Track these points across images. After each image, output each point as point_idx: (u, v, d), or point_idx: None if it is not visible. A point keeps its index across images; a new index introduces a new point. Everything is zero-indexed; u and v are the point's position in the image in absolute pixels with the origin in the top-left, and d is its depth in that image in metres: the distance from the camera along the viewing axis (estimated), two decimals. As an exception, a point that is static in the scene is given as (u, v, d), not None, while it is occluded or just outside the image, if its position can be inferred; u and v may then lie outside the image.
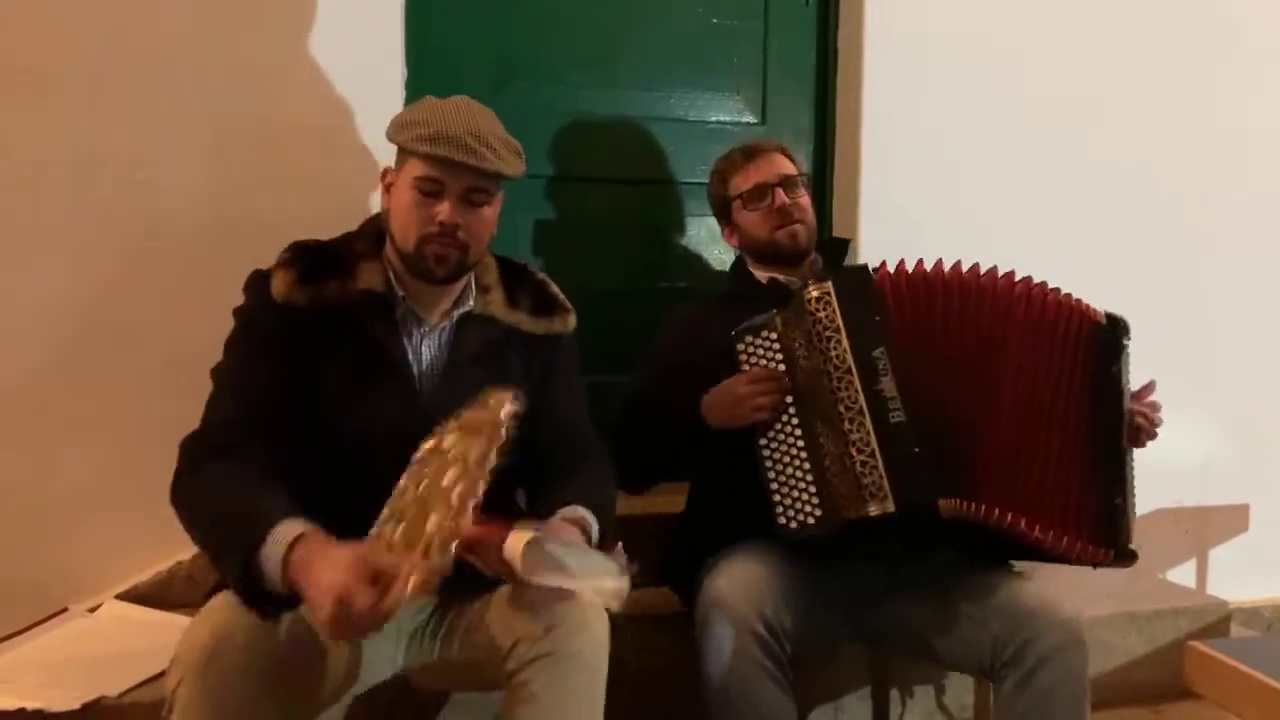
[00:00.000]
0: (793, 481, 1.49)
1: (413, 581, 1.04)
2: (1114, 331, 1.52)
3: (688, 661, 1.45)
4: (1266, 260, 2.53)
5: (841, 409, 1.46)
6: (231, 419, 1.29)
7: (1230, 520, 2.53)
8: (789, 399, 1.50)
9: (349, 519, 1.14)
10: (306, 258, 1.34)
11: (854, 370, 1.46)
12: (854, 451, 1.44)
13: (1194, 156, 2.45)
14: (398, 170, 1.38)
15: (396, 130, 1.35)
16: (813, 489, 1.48)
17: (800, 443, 1.50)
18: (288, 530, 1.14)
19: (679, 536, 1.70)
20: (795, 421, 1.50)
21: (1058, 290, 1.53)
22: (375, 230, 1.42)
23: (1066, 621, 1.43)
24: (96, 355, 1.77)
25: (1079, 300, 1.53)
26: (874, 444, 1.44)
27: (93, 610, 1.72)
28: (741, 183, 1.74)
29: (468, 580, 1.25)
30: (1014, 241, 2.25)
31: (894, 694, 1.82)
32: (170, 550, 1.78)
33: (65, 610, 1.70)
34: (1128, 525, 1.50)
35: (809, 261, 1.75)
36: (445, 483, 1.07)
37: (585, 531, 1.32)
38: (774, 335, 1.52)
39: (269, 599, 1.15)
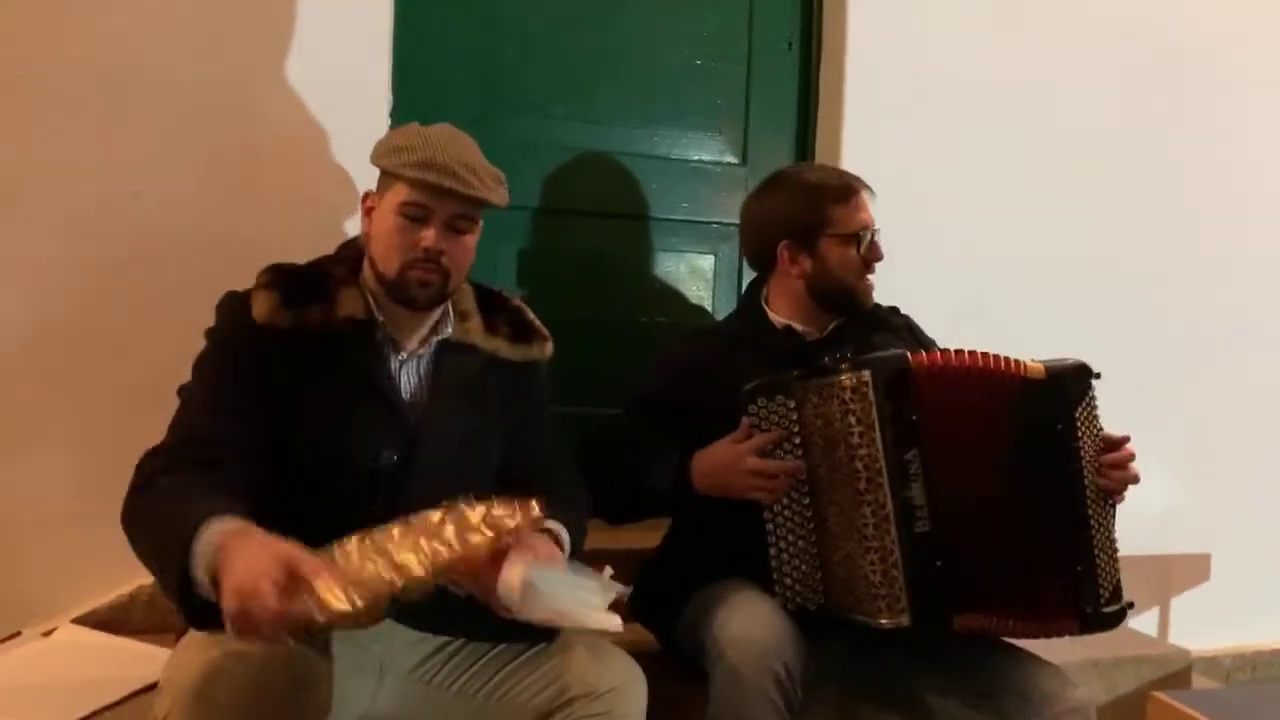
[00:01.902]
0: (796, 562, 1.45)
1: (327, 605, 1.00)
2: (1057, 386, 1.42)
3: (668, 701, 1.41)
4: (1228, 306, 2.59)
5: (867, 512, 1.39)
6: (195, 436, 1.26)
7: (1192, 569, 2.56)
8: (802, 475, 1.44)
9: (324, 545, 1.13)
10: (287, 281, 1.33)
11: (885, 473, 1.38)
12: (875, 558, 1.38)
13: (1164, 197, 2.50)
14: (380, 194, 1.37)
15: (383, 154, 1.35)
16: (818, 574, 1.44)
17: (810, 524, 1.45)
18: (219, 526, 1.09)
19: (658, 572, 1.68)
20: (807, 502, 1.45)
21: (986, 355, 1.43)
22: (353, 254, 1.41)
23: (1082, 706, 1.40)
24: (63, 370, 1.73)
25: (1011, 360, 1.43)
26: (898, 555, 1.38)
27: (47, 635, 1.67)
28: (849, 217, 1.62)
29: (478, 625, 1.24)
30: (989, 284, 2.31)
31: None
32: (130, 573, 1.73)
33: (18, 634, 1.66)
34: (1095, 589, 1.42)
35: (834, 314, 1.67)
36: (425, 546, 1.05)
37: (557, 541, 1.31)
38: (791, 403, 1.45)
39: (208, 609, 1.10)
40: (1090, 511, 1.44)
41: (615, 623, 1.16)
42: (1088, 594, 1.43)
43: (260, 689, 1.11)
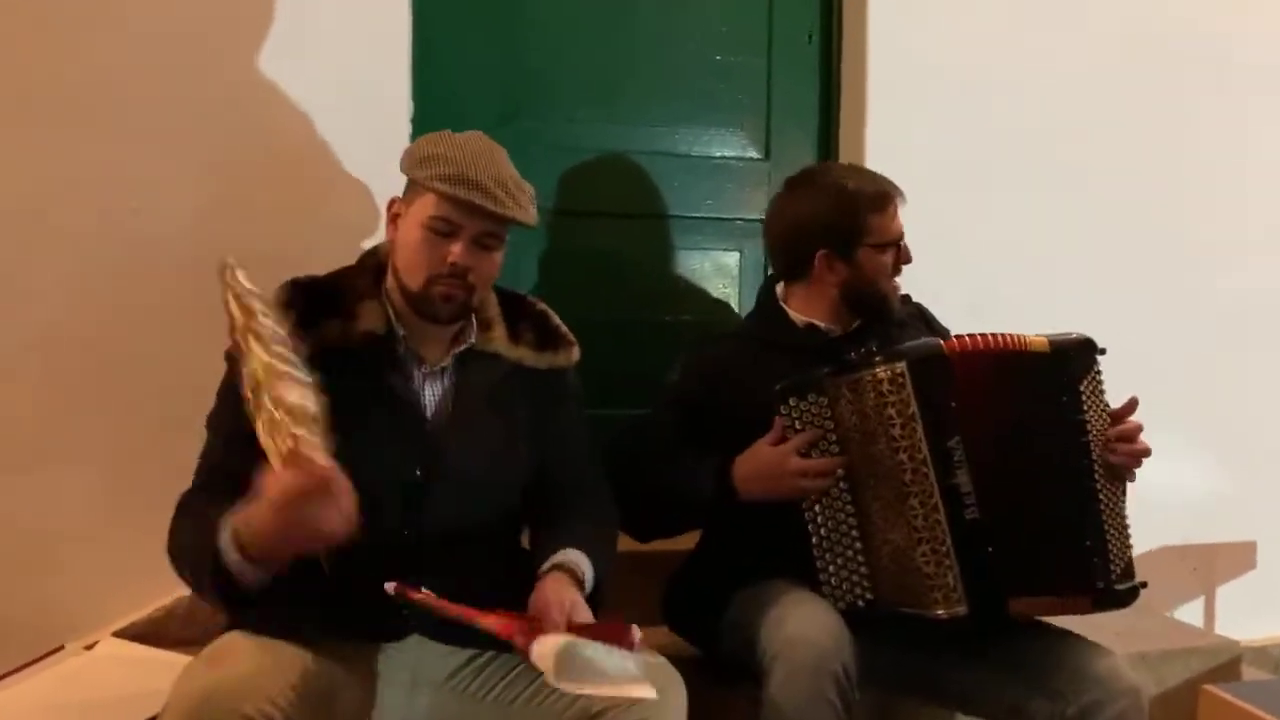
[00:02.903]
0: (842, 560, 1.44)
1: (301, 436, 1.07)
2: (1062, 359, 1.44)
3: (708, 705, 1.38)
4: (1268, 291, 2.53)
5: (915, 503, 1.38)
6: (222, 471, 1.26)
7: (1238, 557, 2.51)
8: (840, 472, 1.44)
9: (352, 566, 1.13)
10: (305, 297, 1.32)
11: (930, 463, 1.37)
12: (926, 549, 1.38)
13: (1192, 186, 2.46)
14: (407, 203, 1.35)
15: (414, 164, 1.32)
16: (864, 570, 1.43)
17: (853, 520, 1.44)
18: (224, 533, 1.13)
19: (694, 576, 1.66)
20: (849, 499, 1.44)
21: (1002, 335, 1.44)
22: (375, 265, 1.39)
23: (1133, 690, 1.39)
24: (90, 386, 1.74)
25: (1019, 337, 1.45)
26: (949, 544, 1.37)
27: (89, 648, 1.69)
28: (887, 227, 1.61)
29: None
30: (1015, 274, 2.28)
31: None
32: (168, 586, 1.72)
33: (61, 648, 1.67)
34: (1106, 565, 1.43)
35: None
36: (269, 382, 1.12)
37: (579, 580, 1.29)
38: (824, 400, 1.44)
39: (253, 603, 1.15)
40: (1099, 485, 1.44)
41: (651, 692, 1.15)
42: (1099, 570, 1.43)
43: (263, 708, 1.11)
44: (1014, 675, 1.46)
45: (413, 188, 1.34)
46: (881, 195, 1.63)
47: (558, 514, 1.40)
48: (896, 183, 1.68)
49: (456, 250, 1.30)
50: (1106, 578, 1.43)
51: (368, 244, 1.54)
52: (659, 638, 1.65)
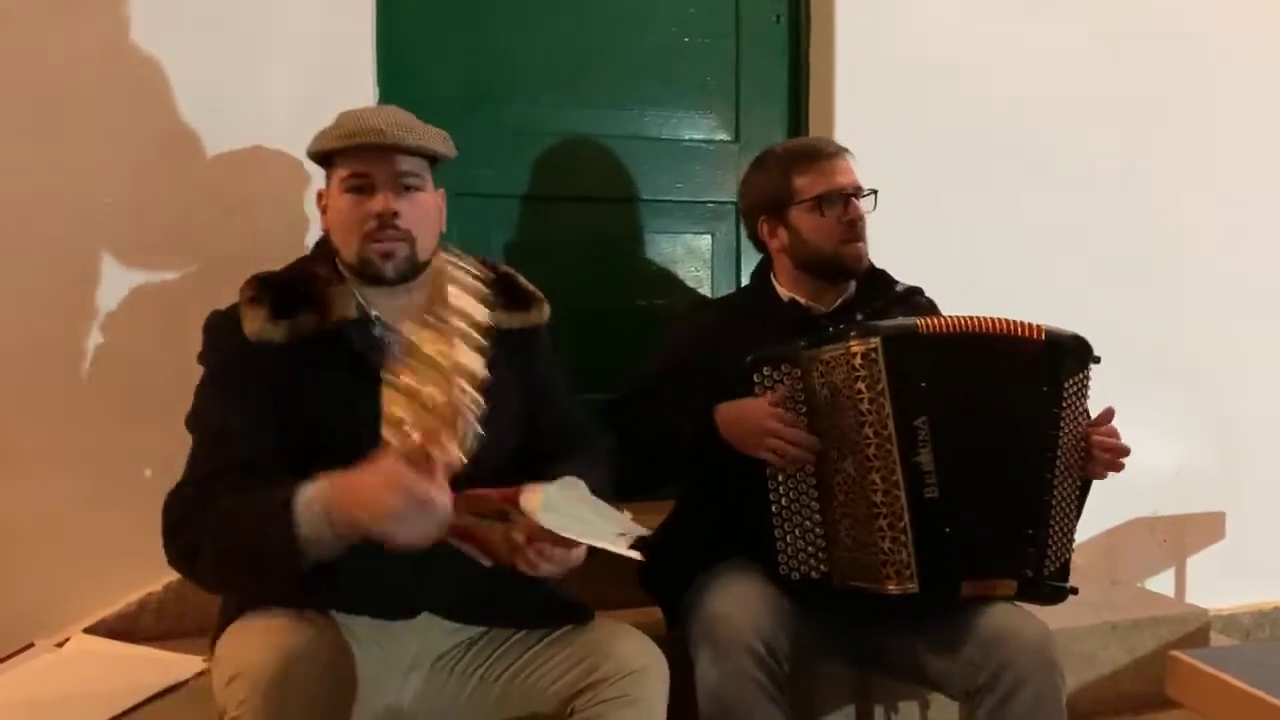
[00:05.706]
0: (799, 531, 1.44)
1: (450, 439, 1.05)
2: (1054, 351, 1.42)
3: (679, 679, 1.38)
4: (1239, 264, 2.56)
5: (876, 478, 1.37)
6: (216, 470, 1.23)
7: (1207, 528, 2.55)
8: (817, 449, 1.42)
9: (354, 549, 1.12)
10: (274, 292, 1.30)
11: (894, 439, 1.36)
12: (883, 524, 1.37)
13: (1164, 163, 2.48)
14: (328, 187, 1.36)
15: (314, 142, 1.35)
16: (821, 542, 1.43)
17: (814, 491, 1.44)
18: (305, 493, 1.10)
19: (665, 544, 1.66)
20: (812, 470, 1.43)
21: (990, 319, 1.43)
22: (330, 252, 1.38)
23: (1037, 644, 1.37)
24: (60, 385, 1.73)
25: (1013, 323, 1.43)
26: (906, 521, 1.36)
27: (60, 645, 1.68)
28: (814, 183, 1.59)
29: (499, 613, 1.26)
30: (987, 254, 2.30)
31: (879, 711, 1.81)
32: (139, 582, 1.74)
33: (31, 646, 1.66)
34: (1040, 558, 1.42)
35: (841, 287, 1.65)
36: (444, 366, 1.08)
37: None
38: (797, 372, 1.44)
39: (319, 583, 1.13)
40: (1055, 481, 1.43)
41: (636, 555, 1.15)
42: (1031, 559, 1.42)
43: (328, 685, 1.12)
44: (930, 643, 1.46)
45: (327, 169, 1.36)
46: (805, 153, 1.62)
47: (552, 457, 1.39)
48: (868, 165, 1.64)
49: (378, 200, 1.30)
50: (1038, 569, 1.42)
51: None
52: (647, 616, 1.66)
